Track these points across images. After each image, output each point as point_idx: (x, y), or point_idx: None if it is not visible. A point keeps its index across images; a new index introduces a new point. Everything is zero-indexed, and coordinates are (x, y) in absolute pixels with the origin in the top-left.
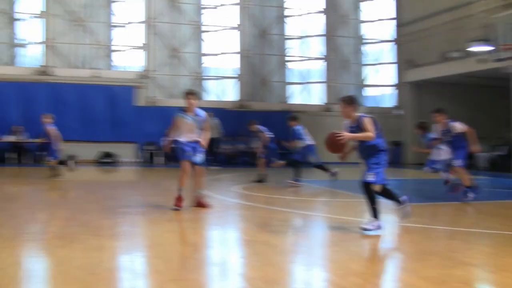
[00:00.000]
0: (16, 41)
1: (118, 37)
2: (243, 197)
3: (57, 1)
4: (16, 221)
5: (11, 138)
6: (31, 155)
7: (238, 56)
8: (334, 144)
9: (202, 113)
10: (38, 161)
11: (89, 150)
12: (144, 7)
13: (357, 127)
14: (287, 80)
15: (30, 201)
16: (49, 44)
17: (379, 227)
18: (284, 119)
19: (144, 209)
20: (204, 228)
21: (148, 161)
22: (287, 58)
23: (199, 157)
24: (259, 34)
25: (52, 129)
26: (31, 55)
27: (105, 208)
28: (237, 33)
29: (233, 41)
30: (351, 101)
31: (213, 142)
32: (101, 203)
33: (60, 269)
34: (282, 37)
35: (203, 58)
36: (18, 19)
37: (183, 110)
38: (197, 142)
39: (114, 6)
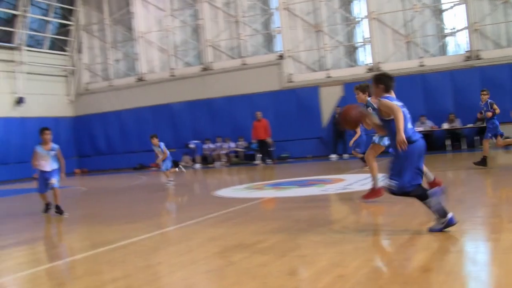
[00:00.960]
0: (444, 31)
1: None
2: None
3: None
4: (464, 206)
5: (447, 126)
6: (466, 141)
7: None
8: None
9: None
10: (473, 147)
11: None
12: None
13: None
14: None
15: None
16: (474, 28)
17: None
18: None
19: None
20: None
21: None
22: None
23: None
24: None
25: None
26: (458, 43)
27: None
28: None
29: None
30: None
31: None
32: None
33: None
34: None
35: None
36: (444, 10)
37: None
38: None
39: None
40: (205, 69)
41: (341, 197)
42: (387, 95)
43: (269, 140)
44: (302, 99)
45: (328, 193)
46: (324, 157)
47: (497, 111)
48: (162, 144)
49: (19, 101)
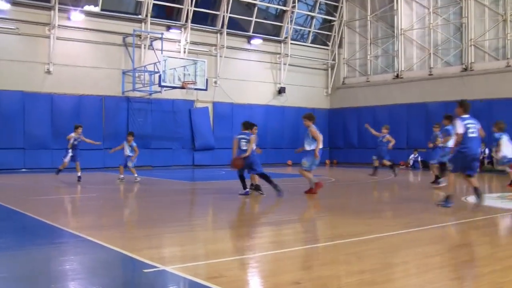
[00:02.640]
0: None
1: None
2: None
3: None
4: None
5: None
6: None
7: None
8: None
9: None
10: None
11: None
12: None
13: None
14: None
15: None
16: None
17: None
18: None
19: None
20: None
21: None
22: None
23: None
24: None
25: None
26: None
27: None
28: None
29: None
30: None
31: None
32: None
33: None
34: None
35: None
36: None
37: None
38: None
39: None
40: (465, 69)
41: None
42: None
43: None
44: None
45: None
46: None
47: None
48: (134, 143)
49: (280, 91)
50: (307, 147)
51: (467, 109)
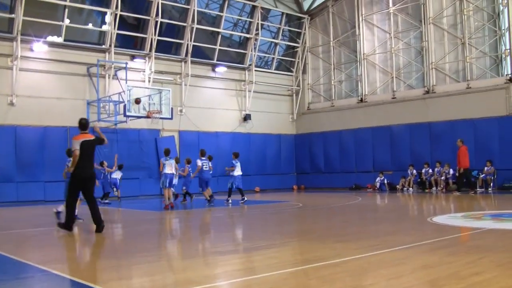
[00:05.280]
0: None
1: None
2: None
3: None
4: None
5: None
6: None
7: None
8: None
9: None
10: None
11: None
12: None
13: None
14: None
15: None
16: None
17: None
18: None
19: None
20: None
21: None
22: None
23: None
24: None
25: None
26: None
27: None
28: None
29: None
30: None
31: None
32: None
33: None
34: None
35: None
36: None
37: None
38: None
39: None
40: (427, 92)
41: None
42: None
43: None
44: None
45: None
46: None
47: None
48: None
49: (246, 117)
50: None
51: None
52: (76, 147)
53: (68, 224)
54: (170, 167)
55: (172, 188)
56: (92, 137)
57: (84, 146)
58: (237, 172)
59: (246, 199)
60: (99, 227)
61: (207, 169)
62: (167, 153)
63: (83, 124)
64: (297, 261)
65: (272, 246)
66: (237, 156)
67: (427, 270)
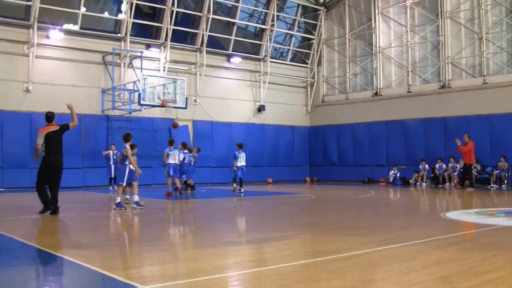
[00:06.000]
0: None
1: None
2: None
3: None
4: None
5: None
6: None
7: None
8: None
9: None
10: None
11: None
12: None
13: None
14: None
15: None
16: None
17: None
18: None
19: None
20: None
21: None
22: None
23: None
24: None
25: None
26: None
27: None
28: None
29: None
30: None
31: None
32: None
33: None
34: None
35: None
36: None
37: None
38: None
39: None
40: (443, 86)
41: None
42: None
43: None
44: None
45: None
46: None
47: None
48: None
49: (260, 108)
50: None
51: None
52: (39, 141)
53: (45, 207)
54: (173, 157)
55: (181, 178)
56: (56, 127)
57: (50, 136)
58: (241, 162)
59: (243, 191)
60: (55, 209)
61: (187, 162)
62: (171, 143)
63: (49, 117)
64: (309, 254)
65: (283, 238)
66: (241, 147)
67: (439, 265)
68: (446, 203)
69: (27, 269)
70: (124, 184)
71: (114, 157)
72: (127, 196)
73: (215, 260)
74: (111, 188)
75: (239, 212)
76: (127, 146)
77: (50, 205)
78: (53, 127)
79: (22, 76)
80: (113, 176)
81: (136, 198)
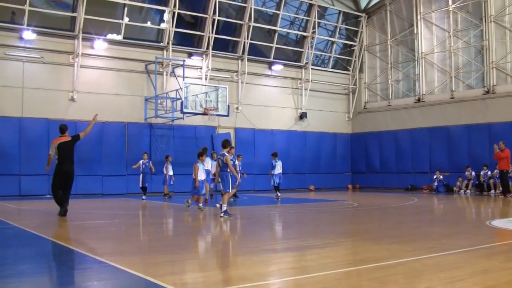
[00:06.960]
0: None
1: None
2: None
3: None
4: None
5: None
6: None
7: None
8: None
9: None
10: None
11: None
12: None
13: None
14: None
15: None
16: None
17: None
18: None
19: None
20: None
21: None
22: None
23: None
24: None
25: None
26: None
27: None
28: None
29: None
30: None
31: None
32: None
33: None
34: None
35: None
36: None
37: None
38: None
39: None
40: (487, 92)
41: None
42: None
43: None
44: None
45: None
46: None
47: None
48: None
49: (302, 116)
50: None
51: None
52: (51, 151)
53: (61, 208)
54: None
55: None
56: (68, 138)
57: (62, 147)
58: (278, 170)
59: (280, 196)
60: (63, 211)
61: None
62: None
63: (62, 129)
64: (351, 261)
65: (325, 245)
66: (276, 155)
67: (486, 275)
68: (491, 211)
69: (73, 273)
70: (230, 191)
71: (143, 166)
72: (200, 204)
73: (258, 267)
74: (143, 197)
75: (281, 220)
76: (226, 153)
77: (65, 204)
78: (65, 138)
79: (67, 86)
80: (141, 185)
81: (224, 207)
